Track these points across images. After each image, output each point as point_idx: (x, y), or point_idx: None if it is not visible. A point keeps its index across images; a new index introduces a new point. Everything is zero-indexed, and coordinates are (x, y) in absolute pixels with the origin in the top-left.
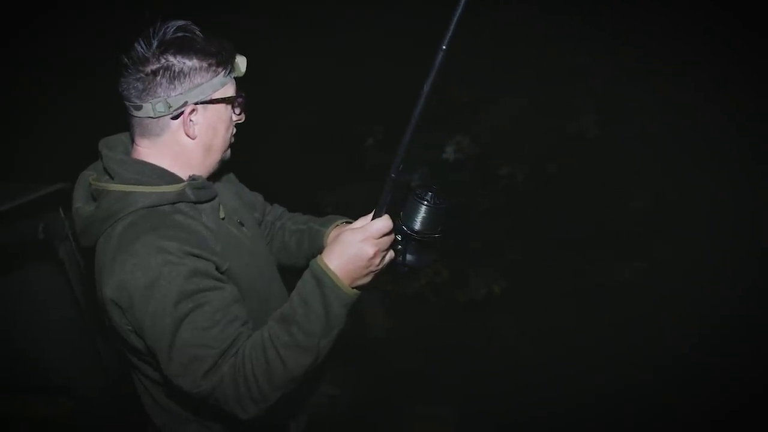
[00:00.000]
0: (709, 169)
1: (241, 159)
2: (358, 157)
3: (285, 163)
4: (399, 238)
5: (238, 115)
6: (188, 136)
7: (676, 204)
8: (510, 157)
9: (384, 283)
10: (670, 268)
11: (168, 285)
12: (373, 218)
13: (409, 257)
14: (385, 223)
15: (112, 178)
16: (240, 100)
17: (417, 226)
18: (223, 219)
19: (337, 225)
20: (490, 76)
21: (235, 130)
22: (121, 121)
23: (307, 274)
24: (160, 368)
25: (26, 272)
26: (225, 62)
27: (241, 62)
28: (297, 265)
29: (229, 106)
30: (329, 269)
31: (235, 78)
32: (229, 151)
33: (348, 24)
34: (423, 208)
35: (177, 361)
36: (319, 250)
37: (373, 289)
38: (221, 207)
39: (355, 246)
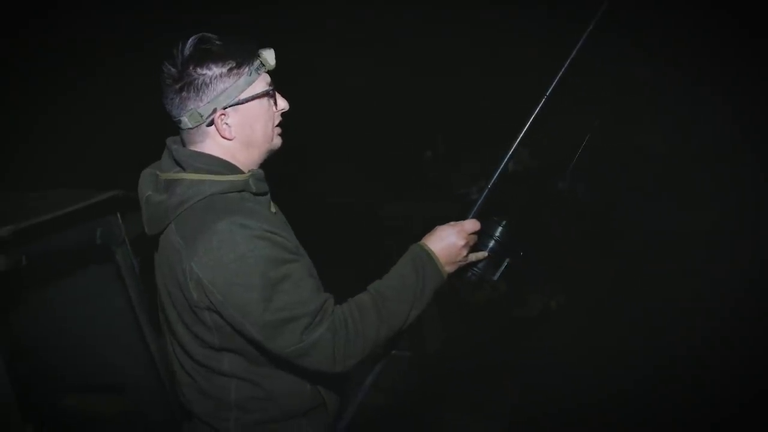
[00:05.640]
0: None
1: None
2: (417, 168)
3: (341, 173)
4: (486, 243)
5: (276, 105)
6: (225, 138)
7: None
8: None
9: (449, 292)
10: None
11: (256, 257)
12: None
13: (480, 266)
14: (474, 223)
15: (184, 169)
16: (271, 92)
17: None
18: (275, 213)
19: None
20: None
21: (280, 119)
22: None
23: (408, 255)
24: (224, 345)
25: (84, 276)
26: (245, 62)
27: (269, 56)
28: None
29: (263, 100)
30: (432, 251)
31: (268, 72)
32: (277, 140)
33: (406, 33)
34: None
35: (274, 325)
36: None
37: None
38: (271, 203)
39: (452, 236)
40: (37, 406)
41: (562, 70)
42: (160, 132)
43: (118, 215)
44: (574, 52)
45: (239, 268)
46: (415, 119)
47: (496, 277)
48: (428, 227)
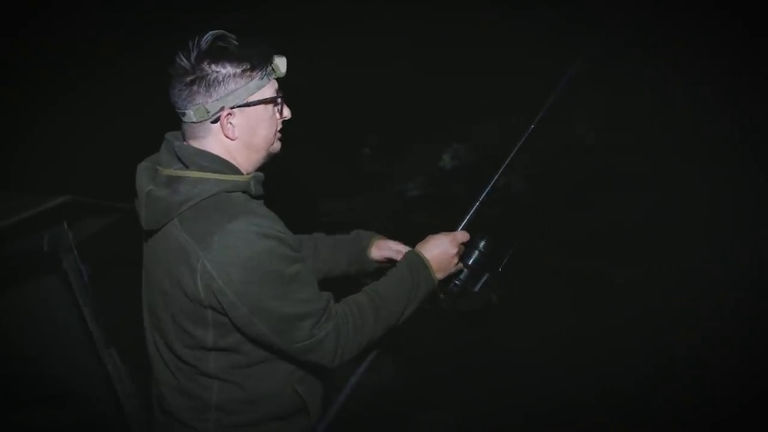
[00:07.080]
0: (708, 174)
1: None
2: (354, 165)
3: (282, 168)
4: (471, 254)
5: (281, 113)
6: (228, 137)
7: (673, 210)
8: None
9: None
10: (670, 272)
11: (270, 255)
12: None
13: (462, 277)
14: (465, 235)
15: (187, 166)
16: (279, 100)
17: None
18: None
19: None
20: (488, 84)
21: (281, 126)
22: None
23: (404, 260)
24: (217, 344)
25: (31, 284)
26: (259, 66)
27: (281, 63)
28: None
29: (269, 106)
30: (426, 258)
31: (277, 78)
32: (277, 144)
33: (344, 29)
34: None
35: (288, 321)
36: (361, 251)
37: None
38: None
39: (445, 245)
40: None
41: (551, 100)
42: (147, 132)
43: (65, 222)
44: (564, 82)
45: (255, 266)
46: (352, 116)
47: (477, 289)
48: (366, 223)
